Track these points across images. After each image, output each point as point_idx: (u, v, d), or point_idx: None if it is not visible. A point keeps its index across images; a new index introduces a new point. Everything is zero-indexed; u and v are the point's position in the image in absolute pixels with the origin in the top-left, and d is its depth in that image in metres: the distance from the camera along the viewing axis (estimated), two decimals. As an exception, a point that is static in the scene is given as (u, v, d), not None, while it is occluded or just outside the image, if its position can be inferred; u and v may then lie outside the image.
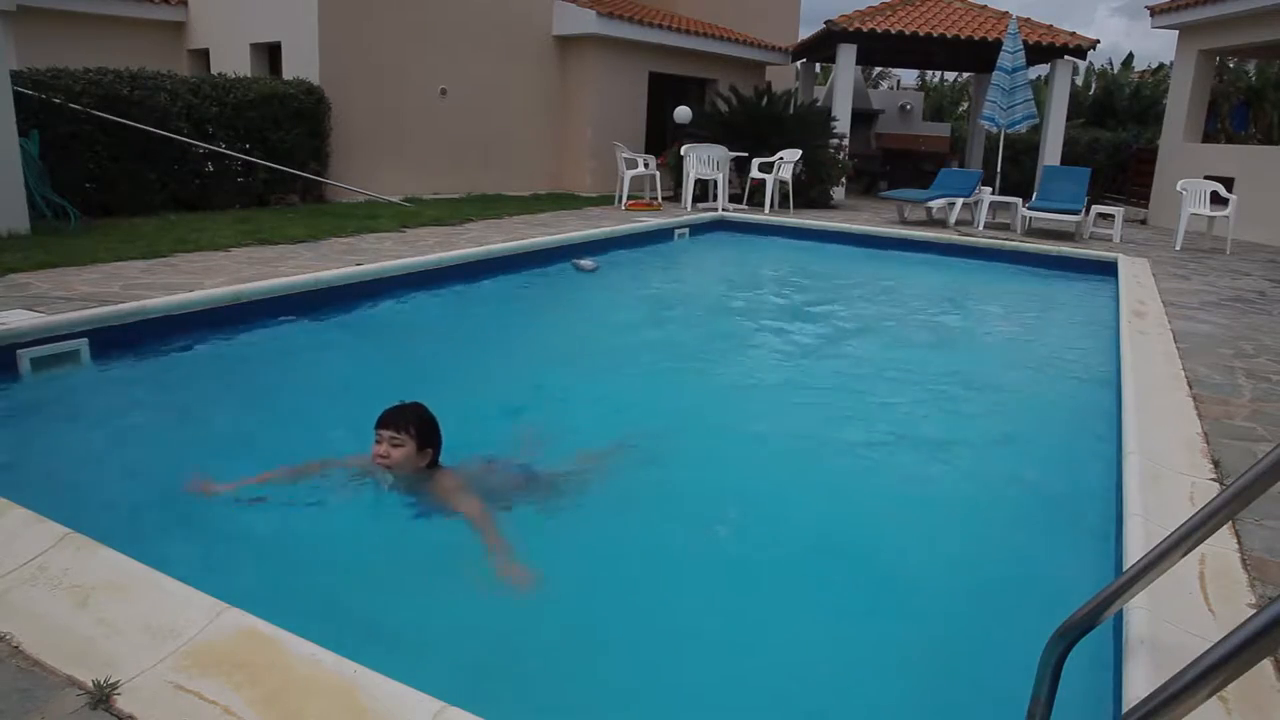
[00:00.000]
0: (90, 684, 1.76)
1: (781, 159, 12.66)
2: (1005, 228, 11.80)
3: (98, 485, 3.26)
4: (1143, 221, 13.98)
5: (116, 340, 4.62)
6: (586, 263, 8.19)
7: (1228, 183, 11.19)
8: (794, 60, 17.91)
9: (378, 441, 2.98)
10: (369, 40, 11.68)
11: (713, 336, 6.45)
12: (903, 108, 20.54)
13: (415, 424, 3.00)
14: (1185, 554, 1.69)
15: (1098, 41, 14.60)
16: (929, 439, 4.34)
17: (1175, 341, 5.54)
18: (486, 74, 13.33)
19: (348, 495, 3.13)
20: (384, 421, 2.99)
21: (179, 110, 9.41)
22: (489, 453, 3.49)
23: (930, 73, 27.32)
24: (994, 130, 13.06)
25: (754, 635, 2.60)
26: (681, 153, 12.50)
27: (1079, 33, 15.63)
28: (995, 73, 12.53)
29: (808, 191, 13.53)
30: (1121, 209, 11.46)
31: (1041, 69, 16.14)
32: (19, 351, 4.19)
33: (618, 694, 2.30)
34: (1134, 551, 2.51)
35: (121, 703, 1.72)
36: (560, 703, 2.24)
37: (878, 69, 27.73)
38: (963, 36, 14.45)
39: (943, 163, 17.33)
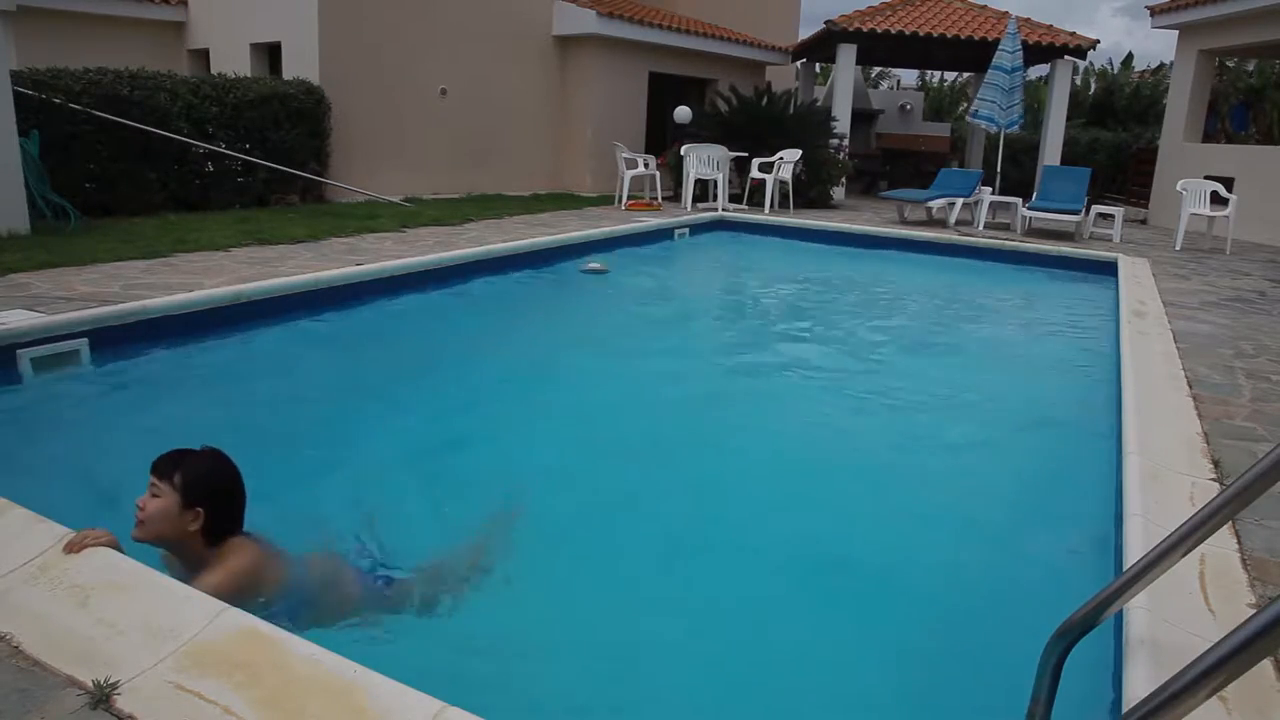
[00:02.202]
0: (90, 684, 1.76)
1: (781, 159, 12.66)
2: (1005, 228, 11.80)
3: (98, 485, 3.25)
4: (1143, 221, 13.98)
5: (116, 340, 4.62)
6: (595, 264, 8.22)
7: (1228, 183, 11.18)
8: (794, 60, 17.91)
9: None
10: (369, 40, 11.68)
11: (711, 338, 6.45)
12: (903, 108, 20.53)
13: (183, 471, 2.33)
14: (1185, 554, 1.69)
15: (1097, 41, 14.60)
16: (928, 438, 4.34)
17: (1175, 341, 5.54)
18: (487, 74, 13.33)
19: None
20: (152, 464, 2.37)
21: (179, 110, 9.41)
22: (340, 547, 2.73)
23: (930, 73, 27.31)
24: (992, 130, 13.05)
25: (754, 637, 2.60)
26: (681, 153, 12.50)
27: (1079, 33, 15.63)
28: (992, 71, 12.46)
29: (808, 191, 13.53)
30: (1121, 209, 11.46)
31: (1042, 69, 16.14)
32: (19, 351, 4.19)
33: (618, 698, 2.30)
34: (1134, 551, 2.51)
35: (121, 703, 1.72)
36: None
37: (878, 69, 27.71)
38: (963, 36, 14.45)
39: (943, 163, 17.33)
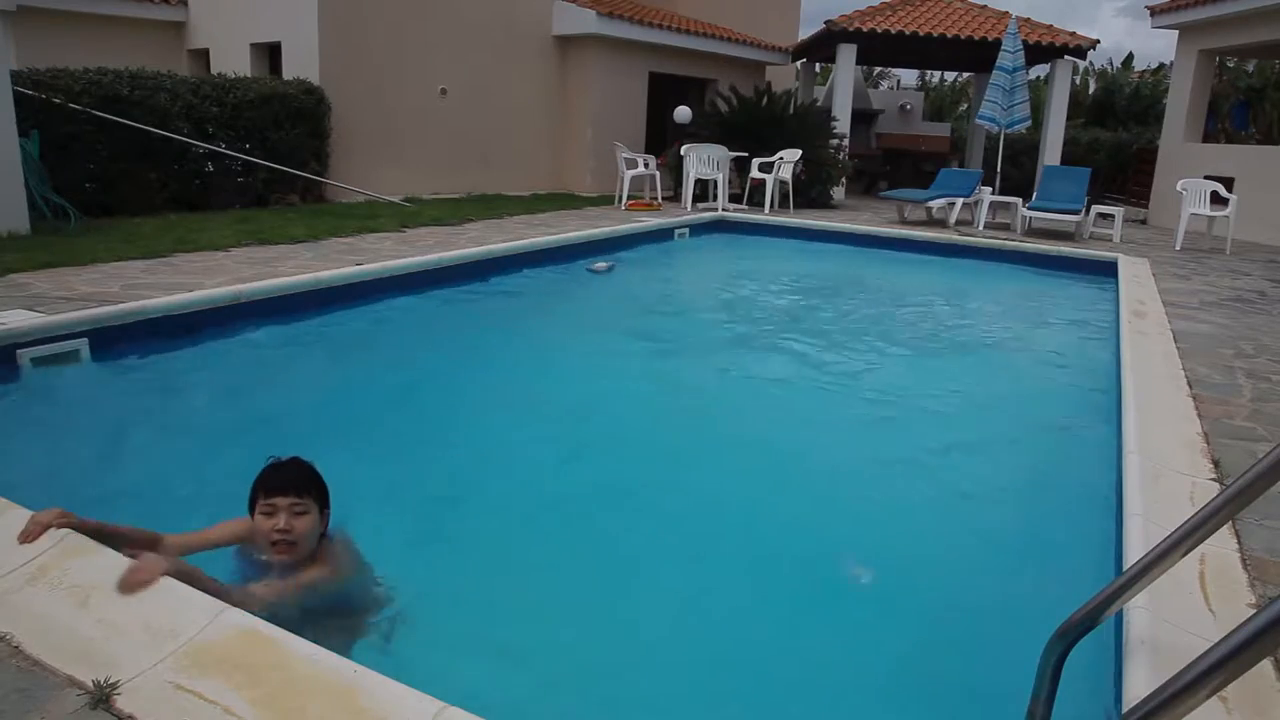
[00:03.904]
0: (90, 684, 1.76)
1: (781, 159, 12.66)
2: (1005, 228, 11.80)
3: (97, 485, 3.26)
4: (1143, 221, 13.98)
5: (116, 340, 4.62)
6: (600, 265, 8.23)
7: (1228, 183, 11.18)
8: (794, 60, 17.91)
9: (269, 514, 2.30)
10: (369, 40, 11.68)
11: (711, 338, 6.45)
12: (903, 108, 20.53)
13: (314, 482, 2.39)
14: (1185, 554, 1.69)
15: (1098, 41, 14.61)
16: (928, 439, 4.33)
17: (1175, 341, 5.54)
18: (487, 74, 13.33)
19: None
20: (280, 485, 2.32)
21: (179, 110, 9.41)
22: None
23: (930, 73, 27.31)
24: (994, 130, 13.06)
25: (755, 636, 2.60)
26: (681, 153, 12.50)
27: (1079, 32, 15.63)
28: (995, 72, 12.52)
29: (808, 191, 13.53)
30: (1121, 209, 11.46)
31: (1041, 69, 16.13)
32: (19, 351, 4.20)
33: (621, 698, 2.30)
34: (1134, 551, 2.51)
35: (121, 703, 1.72)
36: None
37: (878, 69, 27.72)
38: (963, 36, 14.46)
39: (943, 163, 17.33)
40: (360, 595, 2.49)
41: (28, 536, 2.22)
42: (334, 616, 2.37)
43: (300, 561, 2.35)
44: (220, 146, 9.81)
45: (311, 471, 2.42)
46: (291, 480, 2.34)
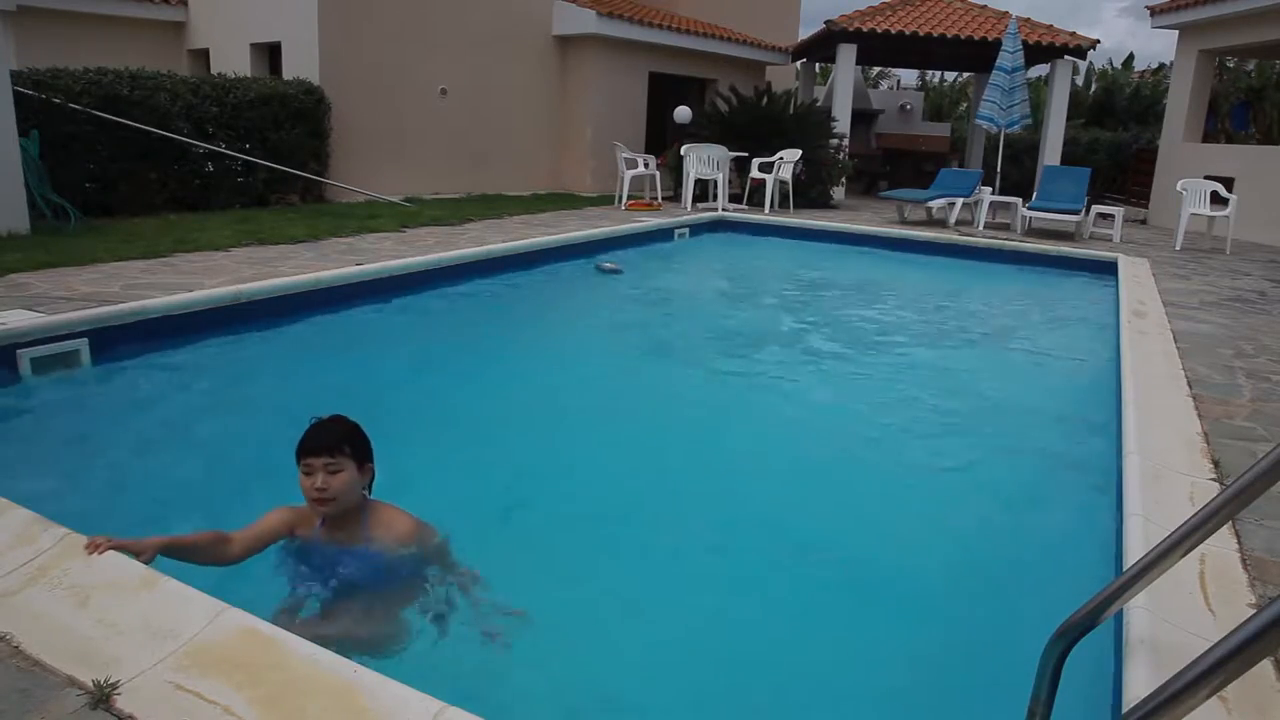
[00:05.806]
0: (90, 684, 1.76)
1: (781, 159, 12.66)
2: (1005, 228, 11.80)
3: (98, 485, 3.26)
4: (1143, 221, 13.98)
5: (116, 340, 4.62)
6: (609, 264, 8.22)
7: (1228, 183, 11.18)
8: (794, 60, 17.91)
9: (308, 473, 2.41)
10: (369, 40, 11.68)
11: (710, 338, 6.44)
12: (903, 108, 20.53)
13: (348, 439, 2.45)
14: (1185, 554, 1.69)
15: (1098, 41, 14.61)
16: (928, 440, 4.34)
17: (1175, 341, 5.54)
18: (486, 74, 13.34)
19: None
20: (312, 447, 2.40)
21: (179, 110, 9.41)
22: None
23: (930, 73, 27.30)
24: (993, 131, 13.07)
25: (756, 637, 2.60)
26: (681, 153, 12.50)
27: (1079, 32, 15.63)
28: (994, 72, 12.52)
29: (808, 191, 13.53)
30: (1121, 209, 11.46)
31: (1042, 69, 16.13)
32: (19, 351, 4.19)
33: (623, 699, 2.30)
34: (1134, 551, 2.51)
35: (121, 703, 1.72)
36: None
37: (878, 69, 27.70)
38: (963, 36, 14.46)
39: (943, 163, 17.33)
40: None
41: (95, 547, 2.24)
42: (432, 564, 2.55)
43: (349, 516, 2.48)
44: (220, 146, 9.80)
45: (346, 429, 2.48)
46: (324, 441, 2.43)
